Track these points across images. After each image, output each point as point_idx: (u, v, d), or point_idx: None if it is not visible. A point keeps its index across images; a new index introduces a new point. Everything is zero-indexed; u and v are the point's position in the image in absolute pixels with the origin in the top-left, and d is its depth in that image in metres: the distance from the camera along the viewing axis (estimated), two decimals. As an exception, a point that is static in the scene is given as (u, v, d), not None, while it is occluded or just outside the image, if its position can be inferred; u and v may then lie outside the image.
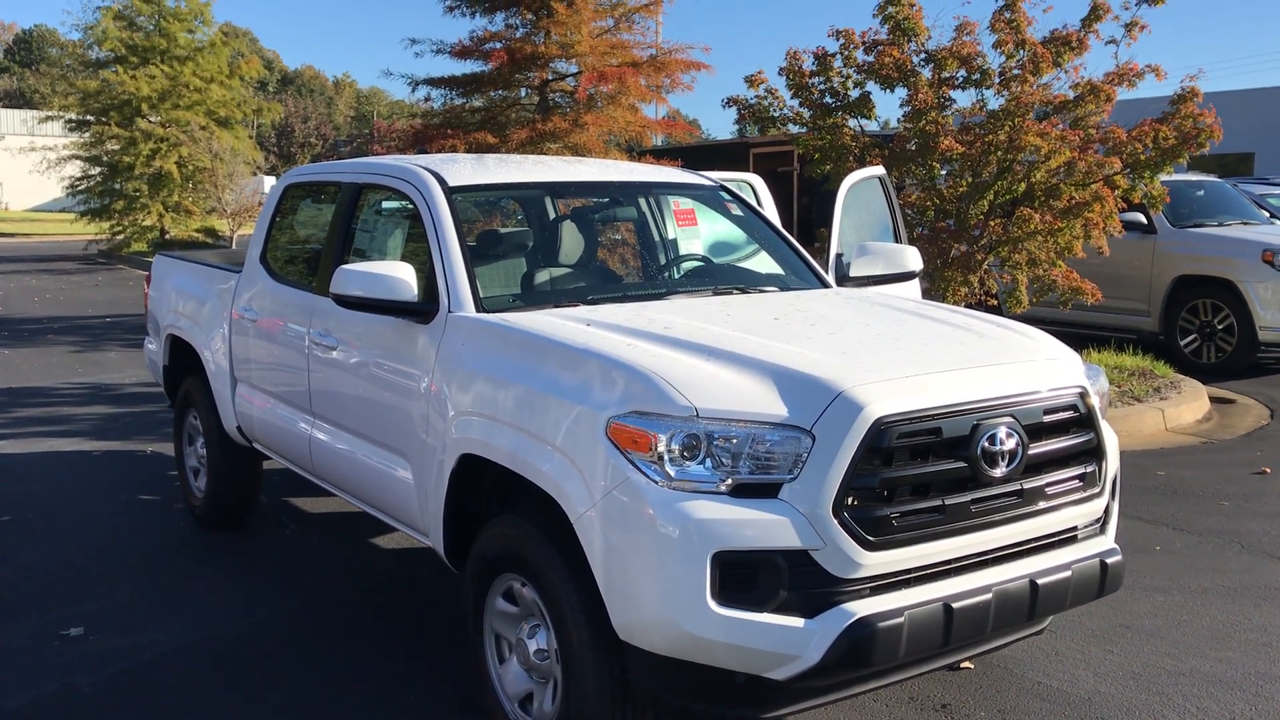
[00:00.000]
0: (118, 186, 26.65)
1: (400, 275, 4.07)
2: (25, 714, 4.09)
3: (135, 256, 25.33)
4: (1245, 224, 11.69)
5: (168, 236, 26.75)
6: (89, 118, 27.19)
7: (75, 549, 5.89)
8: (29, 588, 5.34)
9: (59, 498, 6.81)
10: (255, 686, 4.31)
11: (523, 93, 14.84)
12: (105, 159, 26.94)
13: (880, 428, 3.11)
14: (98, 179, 27.25)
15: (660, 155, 17.05)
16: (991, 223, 9.34)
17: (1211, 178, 13.33)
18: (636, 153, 15.56)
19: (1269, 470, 7.34)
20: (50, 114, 29.61)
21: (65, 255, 27.94)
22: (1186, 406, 8.93)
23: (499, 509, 3.85)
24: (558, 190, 5.28)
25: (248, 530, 6.22)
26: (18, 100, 66.41)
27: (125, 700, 4.19)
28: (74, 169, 27.85)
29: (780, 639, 3.04)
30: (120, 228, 26.77)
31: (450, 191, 4.47)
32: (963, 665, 4.30)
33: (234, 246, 21.57)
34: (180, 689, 4.28)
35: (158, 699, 4.20)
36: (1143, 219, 11.08)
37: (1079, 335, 11.09)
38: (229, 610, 5.06)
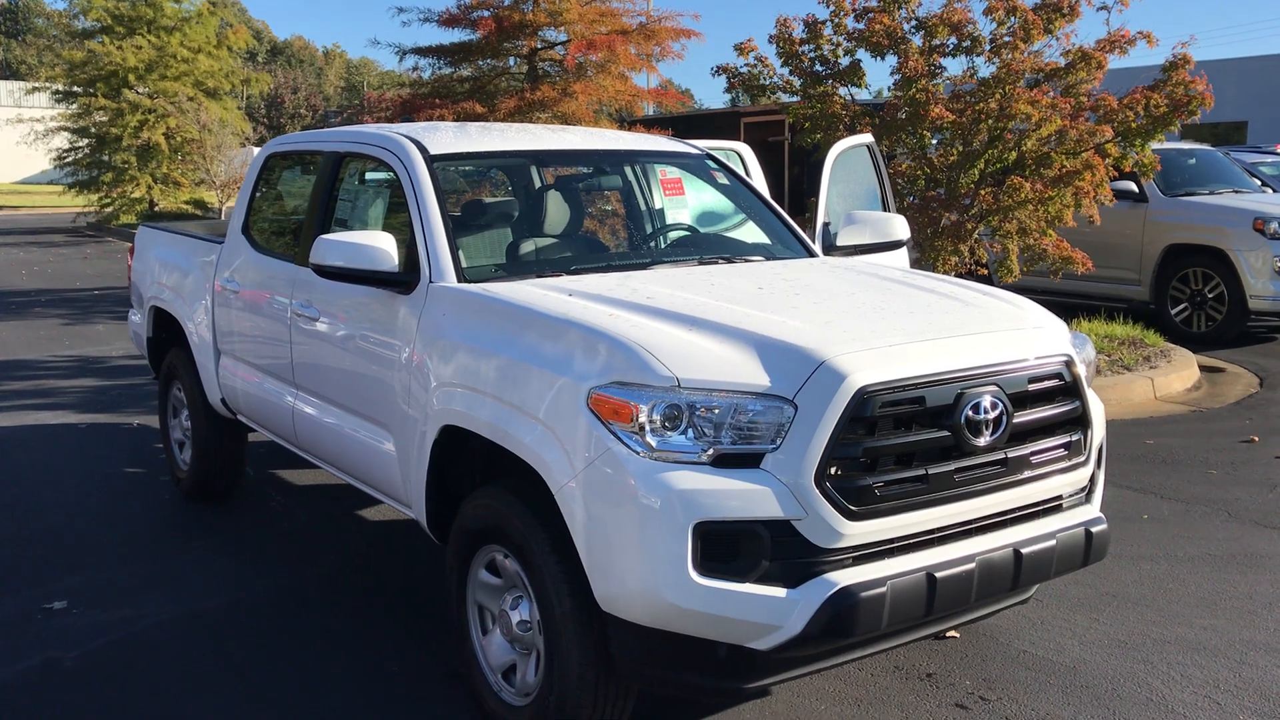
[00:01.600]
0: (105, 158, 26.49)
1: (380, 245, 4.03)
2: (6, 688, 4.07)
3: (124, 229, 25.20)
4: (1237, 192, 11.65)
5: (156, 208, 26.60)
6: (75, 89, 26.96)
7: (60, 522, 5.86)
8: (12, 561, 5.32)
9: (45, 471, 6.78)
10: (240, 659, 4.29)
11: (511, 62, 14.72)
12: (93, 131, 26.75)
13: (863, 397, 3.08)
14: (85, 151, 27.08)
15: (651, 124, 16.93)
16: (982, 191, 9.29)
17: (1204, 146, 13.28)
18: (627, 122, 15.47)
19: (1257, 439, 7.34)
20: (37, 85, 29.39)
21: (53, 228, 27.80)
22: (1176, 375, 8.93)
23: (481, 481, 3.83)
24: (541, 159, 5.22)
25: (234, 503, 6.20)
26: (4, 71, 65.88)
27: (108, 674, 4.17)
28: (61, 141, 27.67)
29: (762, 609, 3.02)
30: (109, 200, 26.64)
31: (431, 160, 4.41)
32: (948, 634, 4.30)
33: (223, 218, 21.43)
34: (164, 663, 4.27)
35: (141, 673, 4.19)
36: (1134, 187, 11.05)
37: (1070, 304, 11.08)
38: (214, 583, 5.04)
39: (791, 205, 15.35)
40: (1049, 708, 3.84)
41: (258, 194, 5.69)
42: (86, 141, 27.04)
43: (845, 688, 3.98)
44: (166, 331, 6.32)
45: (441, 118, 13.06)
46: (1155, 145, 9.70)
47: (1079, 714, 3.80)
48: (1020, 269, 9.53)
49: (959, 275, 8.68)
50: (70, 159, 27.38)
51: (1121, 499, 5.99)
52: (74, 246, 22.85)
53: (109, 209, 26.66)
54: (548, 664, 3.38)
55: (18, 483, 6.55)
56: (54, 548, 5.50)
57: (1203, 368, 9.52)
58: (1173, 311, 11.10)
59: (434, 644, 4.36)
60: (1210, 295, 10.88)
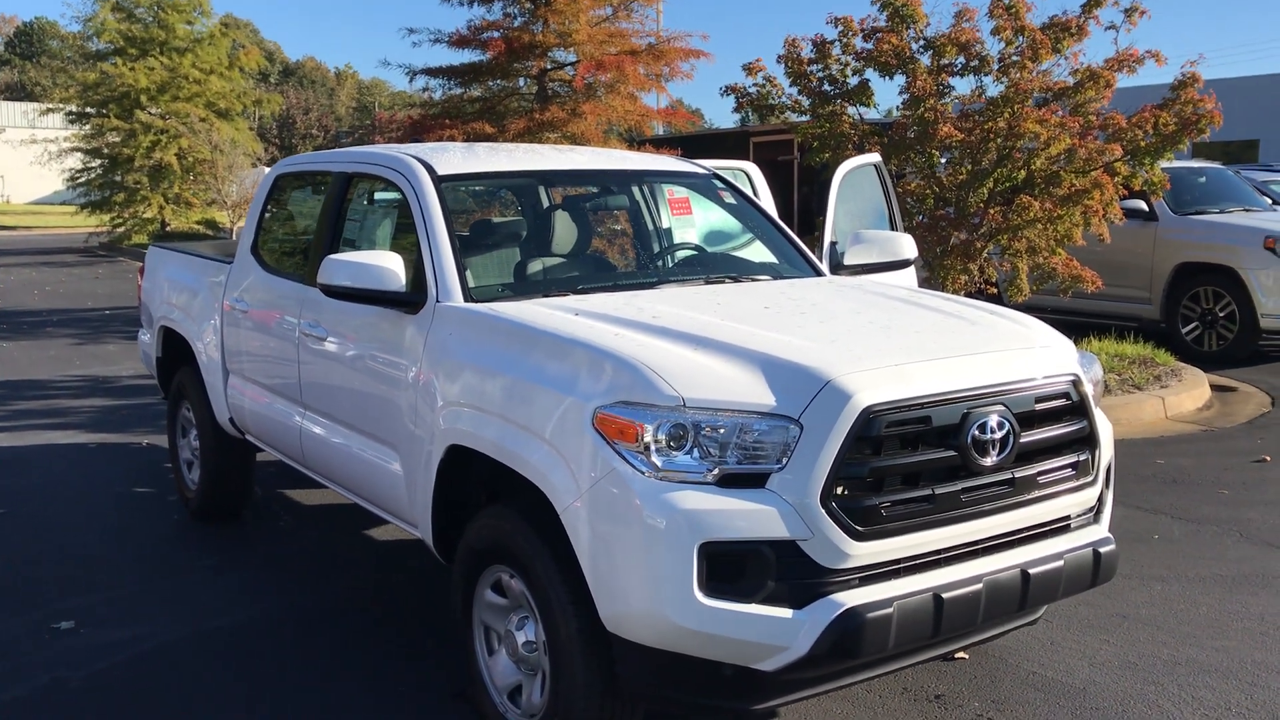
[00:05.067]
0: (118, 179, 26.65)
1: (387, 265, 4.04)
2: (13, 709, 4.06)
3: (136, 249, 25.30)
4: (1248, 211, 11.62)
5: (168, 228, 26.73)
6: (89, 110, 27.14)
7: (69, 542, 5.87)
8: (21, 581, 5.32)
9: (54, 491, 6.79)
10: (249, 680, 4.29)
11: (521, 82, 14.77)
12: (105, 151, 26.92)
13: (869, 416, 3.07)
14: (98, 171, 27.25)
15: (660, 144, 17.00)
16: (991, 210, 9.29)
17: (1214, 164, 13.26)
18: (636, 142, 15.51)
19: (1269, 458, 7.30)
20: (51, 106, 29.67)
21: (66, 248, 27.95)
22: (1187, 394, 8.89)
23: (487, 500, 3.83)
24: (548, 179, 5.23)
25: (242, 523, 6.20)
26: (19, 93, 66.39)
27: (115, 694, 4.17)
28: (75, 161, 27.86)
29: (768, 630, 3.01)
30: (121, 220, 26.78)
31: (439, 180, 4.43)
32: (957, 656, 4.27)
33: (234, 238, 21.52)
34: (172, 683, 4.26)
35: (148, 693, 4.18)
36: (1144, 206, 11.01)
37: (1080, 323, 11.04)
38: (223, 604, 5.04)
39: (801, 224, 15.37)
40: (1059, 730, 3.80)
41: (267, 214, 5.71)
42: (99, 162, 27.21)
43: (853, 709, 3.95)
44: (176, 351, 6.33)
45: (452, 138, 13.11)
46: (1165, 164, 9.68)
47: (1089, 736, 3.77)
48: (1030, 288, 9.51)
49: (968, 294, 8.68)
50: (83, 179, 27.55)
51: (1132, 519, 5.96)
52: (86, 266, 22.98)
53: (121, 229, 26.79)
54: (553, 684, 3.37)
55: (26, 501, 6.56)
56: (62, 567, 5.50)
57: (1214, 387, 9.48)
58: (1183, 330, 11.06)
59: (442, 664, 4.34)
60: (1221, 314, 10.84)
